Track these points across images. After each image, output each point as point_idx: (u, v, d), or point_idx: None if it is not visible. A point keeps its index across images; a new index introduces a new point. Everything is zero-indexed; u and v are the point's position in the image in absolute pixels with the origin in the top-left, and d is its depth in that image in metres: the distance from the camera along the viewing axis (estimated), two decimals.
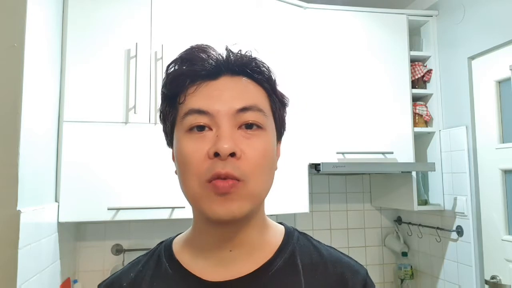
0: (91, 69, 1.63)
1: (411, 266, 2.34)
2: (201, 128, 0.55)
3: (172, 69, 0.59)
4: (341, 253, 0.66)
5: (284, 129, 0.65)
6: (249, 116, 0.55)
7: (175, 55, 0.61)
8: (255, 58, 0.60)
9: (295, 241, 0.64)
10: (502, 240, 1.80)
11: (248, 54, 0.60)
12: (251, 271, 0.58)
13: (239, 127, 0.55)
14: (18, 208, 1.12)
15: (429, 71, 2.23)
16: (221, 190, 0.52)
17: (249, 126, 0.56)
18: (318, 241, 0.67)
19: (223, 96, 0.56)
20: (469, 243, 1.94)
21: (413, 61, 2.23)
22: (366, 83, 2.10)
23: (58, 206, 1.53)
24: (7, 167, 1.11)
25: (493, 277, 1.84)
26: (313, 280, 0.60)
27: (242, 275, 0.58)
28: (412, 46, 2.22)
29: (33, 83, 1.25)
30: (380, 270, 2.45)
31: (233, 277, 0.58)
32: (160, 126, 1.84)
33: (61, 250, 1.59)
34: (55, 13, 1.54)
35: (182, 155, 0.55)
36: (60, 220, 1.52)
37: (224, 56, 0.59)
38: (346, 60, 2.09)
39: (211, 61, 0.57)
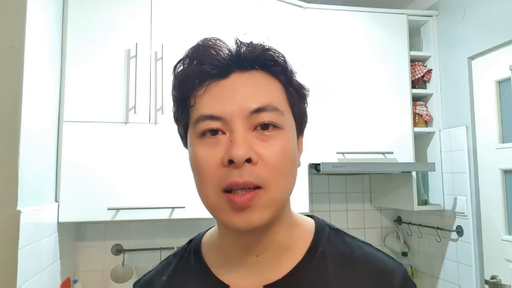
0: (91, 69, 1.63)
1: (411, 266, 2.34)
2: (214, 132, 0.52)
3: (181, 68, 0.55)
4: (378, 250, 0.61)
5: (305, 122, 0.60)
6: (265, 117, 0.51)
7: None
8: (268, 49, 0.55)
9: (325, 240, 0.60)
10: (502, 240, 1.80)
11: (260, 44, 0.55)
12: (280, 277, 0.56)
13: (254, 129, 0.51)
14: (18, 208, 1.12)
15: (429, 71, 2.23)
16: (239, 205, 0.49)
17: (265, 126, 0.51)
18: (353, 237, 0.62)
19: (235, 97, 0.52)
20: (469, 243, 1.94)
21: (413, 61, 2.23)
22: (366, 83, 2.10)
23: (58, 206, 1.53)
24: (7, 167, 1.11)
25: (493, 277, 1.84)
26: (345, 282, 0.56)
27: (271, 281, 0.56)
28: (412, 46, 2.22)
29: (33, 83, 1.25)
30: None
31: (261, 284, 0.56)
32: (160, 126, 1.84)
33: (61, 250, 1.59)
34: (55, 13, 1.54)
35: (196, 161, 0.52)
36: (60, 220, 1.52)
37: (234, 50, 0.54)
38: (346, 60, 2.09)
39: (219, 58, 0.53)
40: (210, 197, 0.51)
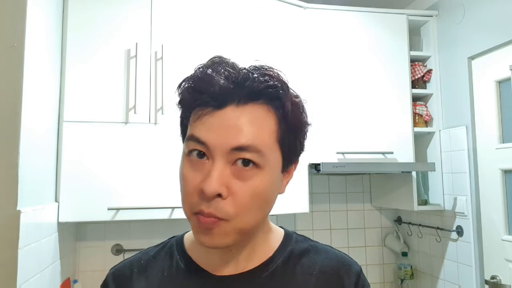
0: (91, 69, 1.63)
1: (411, 266, 2.34)
2: (201, 155, 0.56)
3: (185, 87, 0.58)
4: (337, 250, 0.70)
5: (300, 152, 0.62)
6: (245, 155, 0.54)
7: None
8: (272, 86, 0.56)
9: (293, 242, 0.68)
10: (502, 240, 1.80)
11: (265, 79, 0.56)
12: (253, 267, 0.63)
13: (233, 163, 0.55)
14: (18, 208, 1.12)
15: (429, 71, 2.23)
16: (203, 226, 0.55)
17: (245, 162, 0.55)
18: (316, 241, 0.71)
19: (222, 131, 0.54)
20: (469, 243, 1.94)
21: (413, 61, 2.23)
22: (366, 83, 2.10)
23: (58, 206, 1.53)
24: (7, 167, 1.11)
25: (493, 277, 1.84)
26: (310, 277, 0.64)
27: (245, 270, 0.63)
28: (412, 46, 2.22)
29: (33, 83, 1.25)
30: (380, 270, 2.45)
31: (236, 272, 0.63)
32: (160, 126, 1.85)
33: (61, 250, 1.59)
34: (55, 13, 1.54)
35: (181, 176, 0.58)
36: (60, 220, 1.52)
37: (238, 80, 0.56)
38: (346, 60, 2.09)
39: (220, 90, 0.55)
40: (186, 212, 0.57)
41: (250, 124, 0.55)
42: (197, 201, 0.54)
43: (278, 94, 0.57)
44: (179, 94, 0.60)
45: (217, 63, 0.58)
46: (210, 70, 0.57)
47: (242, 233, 0.57)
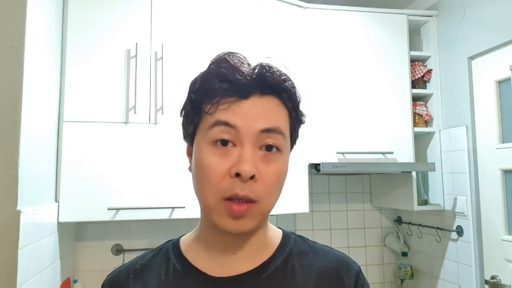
0: (91, 69, 1.63)
1: (411, 266, 2.34)
2: (225, 143, 0.57)
3: (205, 78, 0.60)
4: (336, 250, 0.70)
5: (295, 144, 0.68)
6: (270, 139, 0.58)
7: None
8: (286, 79, 0.61)
9: (292, 242, 0.68)
10: (502, 240, 1.80)
11: (280, 73, 0.61)
12: (251, 269, 0.63)
13: (260, 148, 0.58)
14: (18, 208, 1.12)
15: (429, 71, 2.23)
16: (236, 214, 0.56)
17: (269, 148, 0.58)
18: (314, 242, 0.72)
19: (250, 116, 0.58)
20: (469, 243, 1.94)
21: (413, 61, 2.23)
22: (366, 83, 2.10)
23: (58, 206, 1.53)
24: (7, 167, 1.11)
25: (493, 277, 1.84)
26: (310, 277, 0.64)
27: (244, 272, 0.62)
28: (412, 46, 2.22)
29: (33, 83, 1.25)
30: (380, 270, 2.45)
31: (235, 273, 0.62)
32: (160, 126, 1.84)
33: (61, 250, 1.59)
34: (55, 13, 1.54)
35: (204, 166, 0.58)
36: (60, 220, 1.52)
37: (257, 74, 0.59)
38: (346, 60, 2.09)
39: (244, 80, 0.58)
40: (210, 201, 0.58)
41: (273, 111, 0.60)
42: (229, 185, 0.56)
43: (293, 88, 0.63)
44: (201, 85, 0.60)
45: (233, 56, 0.61)
46: (233, 61, 0.60)
47: (264, 216, 0.61)
